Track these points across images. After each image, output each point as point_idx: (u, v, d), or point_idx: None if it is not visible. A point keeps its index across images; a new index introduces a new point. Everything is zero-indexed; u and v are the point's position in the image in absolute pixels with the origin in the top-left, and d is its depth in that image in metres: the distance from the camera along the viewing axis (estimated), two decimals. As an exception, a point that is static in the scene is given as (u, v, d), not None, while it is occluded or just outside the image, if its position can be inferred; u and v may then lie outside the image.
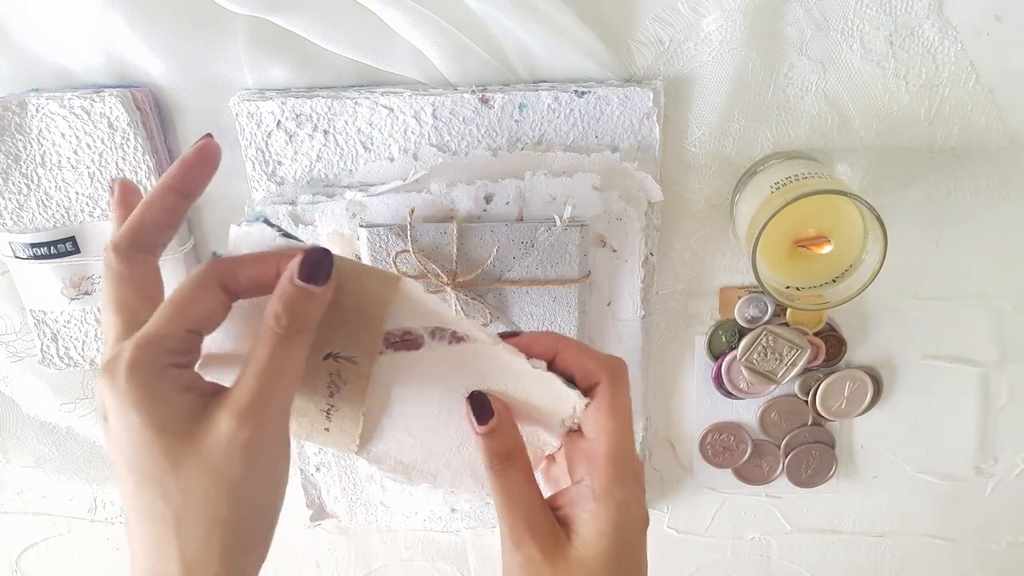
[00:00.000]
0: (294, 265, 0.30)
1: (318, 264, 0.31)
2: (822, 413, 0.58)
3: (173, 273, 0.51)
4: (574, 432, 0.37)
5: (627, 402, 0.35)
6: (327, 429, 0.37)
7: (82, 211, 0.49)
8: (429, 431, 0.37)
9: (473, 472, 0.38)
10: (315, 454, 0.58)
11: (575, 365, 0.35)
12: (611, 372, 0.35)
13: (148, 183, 0.48)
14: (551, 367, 0.36)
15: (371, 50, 0.46)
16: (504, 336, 0.36)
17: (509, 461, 0.35)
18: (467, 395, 0.36)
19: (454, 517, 0.62)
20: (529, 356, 0.36)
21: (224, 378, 0.32)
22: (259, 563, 0.32)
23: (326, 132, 0.48)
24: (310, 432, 0.37)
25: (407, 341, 0.35)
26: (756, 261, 0.44)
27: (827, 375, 0.57)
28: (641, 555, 0.35)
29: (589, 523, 0.34)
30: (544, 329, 0.50)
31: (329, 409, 0.36)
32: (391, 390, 0.36)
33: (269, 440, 0.30)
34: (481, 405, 0.35)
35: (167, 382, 0.29)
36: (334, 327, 0.34)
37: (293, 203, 0.49)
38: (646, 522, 0.35)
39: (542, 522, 0.34)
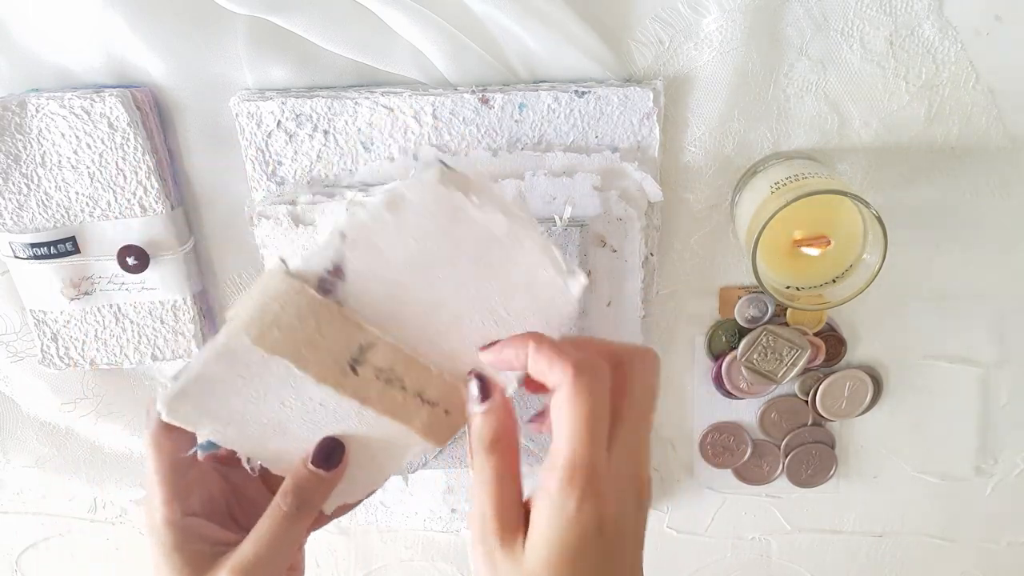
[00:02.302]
0: (310, 450, 0.36)
1: (330, 452, 0.37)
2: (822, 413, 0.58)
3: (172, 273, 0.51)
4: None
5: (590, 400, 0.32)
6: (447, 412, 0.35)
7: (82, 211, 0.49)
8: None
9: (545, 317, 0.36)
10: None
11: (546, 361, 0.33)
12: (578, 371, 0.32)
13: (148, 183, 0.48)
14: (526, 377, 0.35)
15: (371, 50, 0.46)
16: (481, 349, 0.35)
17: (499, 446, 0.34)
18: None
19: (454, 517, 0.62)
20: (505, 367, 0.35)
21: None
22: None
23: (326, 132, 0.48)
24: (447, 429, 0.36)
25: (337, 272, 0.33)
26: (756, 261, 0.44)
27: (827, 375, 0.57)
28: (602, 571, 0.32)
29: (539, 529, 0.32)
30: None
31: (421, 397, 0.35)
32: (428, 329, 0.34)
33: None
34: (483, 382, 0.34)
35: (185, 535, 0.36)
36: (319, 349, 0.33)
37: (293, 203, 0.49)
38: (607, 540, 0.32)
39: (511, 514, 0.33)
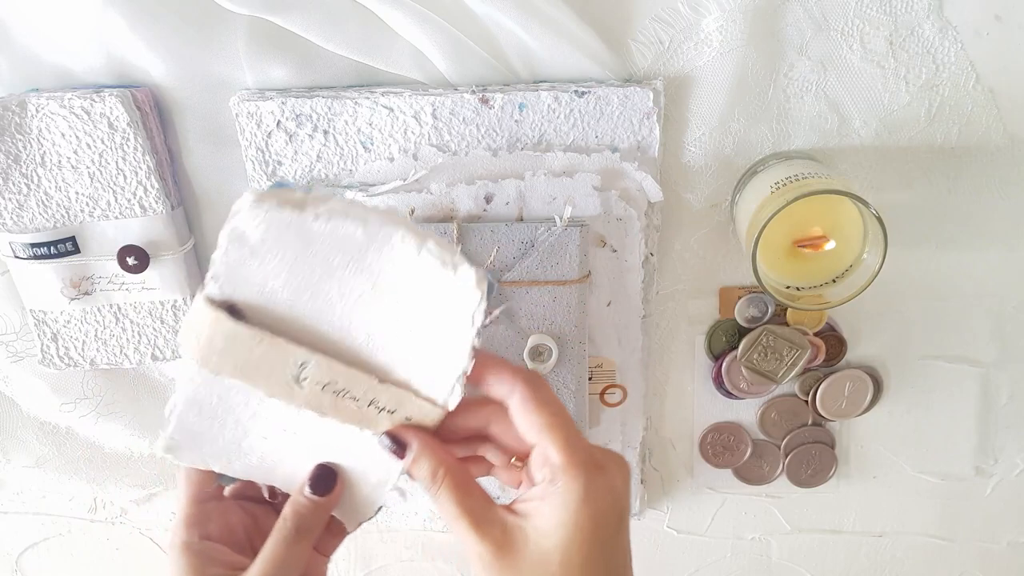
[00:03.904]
0: (306, 477, 0.38)
1: (323, 480, 0.38)
2: (822, 413, 0.58)
3: (172, 273, 0.51)
4: (522, 454, 0.37)
5: (555, 398, 0.36)
6: (408, 418, 0.36)
7: (82, 211, 0.49)
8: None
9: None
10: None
11: (490, 373, 0.36)
12: (527, 376, 0.36)
13: (148, 183, 0.48)
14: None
15: (371, 50, 0.46)
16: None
17: (439, 477, 0.35)
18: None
19: (454, 517, 0.62)
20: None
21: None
22: None
23: (326, 132, 0.48)
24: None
25: (233, 310, 0.35)
26: (756, 261, 0.44)
27: (827, 375, 0.57)
28: (613, 551, 0.34)
29: (549, 515, 0.33)
30: (542, 331, 0.50)
31: (376, 407, 0.36)
32: (362, 326, 0.35)
33: None
34: (395, 440, 0.36)
35: (199, 557, 0.38)
36: (259, 368, 0.34)
37: (293, 203, 0.49)
38: (619, 512, 0.34)
39: (491, 524, 0.34)
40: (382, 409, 0.36)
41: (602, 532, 0.33)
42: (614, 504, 0.34)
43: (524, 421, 0.35)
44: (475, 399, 0.37)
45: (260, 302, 0.35)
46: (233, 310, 0.35)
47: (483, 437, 0.38)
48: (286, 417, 0.37)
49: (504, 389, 0.35)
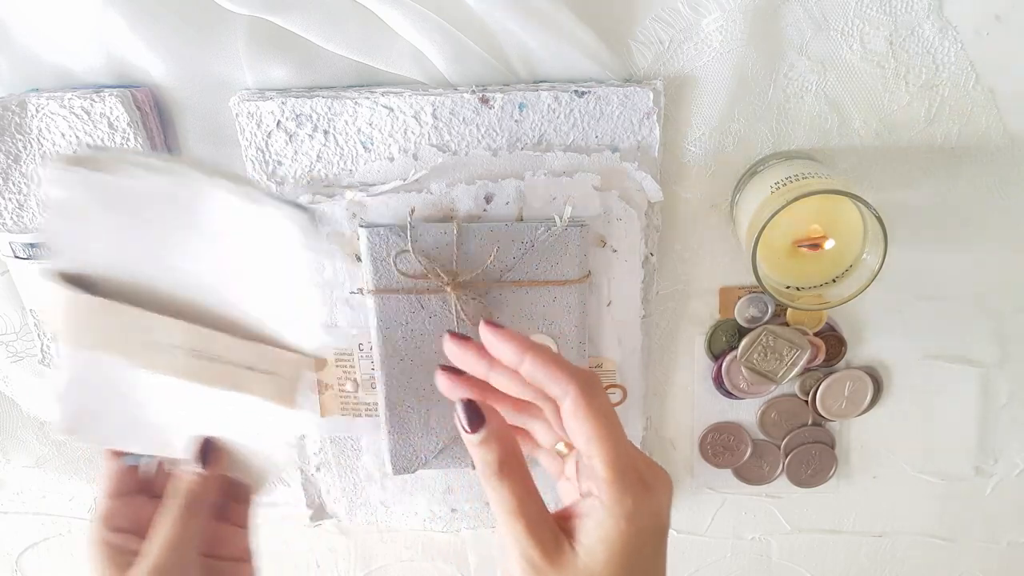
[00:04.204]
0: (190, 450, 0.39)
1: (203, 452, 0.39)
2: (822, 413, 0.58)
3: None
4: (570, 452, 0.37)
5: (608, 406, 0.34)
6: (275, 373, 0.35)
7: (82, 211, 0.49)
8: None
9: None
10: (315, 454, 0.58)
11: (544, 371, 0.34)
12: (582, 380, 0.34)
13: (148, 183, 0.48)
14: (517, 373, 0.35)
15: (371, 50, 0.46)
16: (486, 322, 0.36)
17: (507, 471, 0.34)
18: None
19: (454, 517, 0.62)
20: (496, 355, 0.35)
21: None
22: None
23: (326, 132, 0.48)
24: (288, 390, 0.36)
25: (82, 283, 0.35)
26: (756, 261, 0.44)
27: (827, 375, 0.57)
28: (651, 566, 0.34)
29: (593, 532, 0.33)
30: (542, 331, 0.50)
31: (237, 364, 0.35)
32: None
33: None
34: (473, 412, 0.34)
35: (111, 548, 0.39)
36: (120, 338, 0.34)
37: (293, 203, 0.49)
38: (661, 531, 0.35)
39: (544, 529, 0.34)
40: (249, 367, 0.35)
41: (643, 552, 0.33)
42: (657, 525, 0.34)
43: (573, 427, 0.34)
44: (514, 335, 0.36)
45: (105, 271, 0.34)
46: (83, 282, 0.34)
47: (538, 410, 0.37)
48: (169, 389, 0.36)
49: (557, 390, 0.34)
